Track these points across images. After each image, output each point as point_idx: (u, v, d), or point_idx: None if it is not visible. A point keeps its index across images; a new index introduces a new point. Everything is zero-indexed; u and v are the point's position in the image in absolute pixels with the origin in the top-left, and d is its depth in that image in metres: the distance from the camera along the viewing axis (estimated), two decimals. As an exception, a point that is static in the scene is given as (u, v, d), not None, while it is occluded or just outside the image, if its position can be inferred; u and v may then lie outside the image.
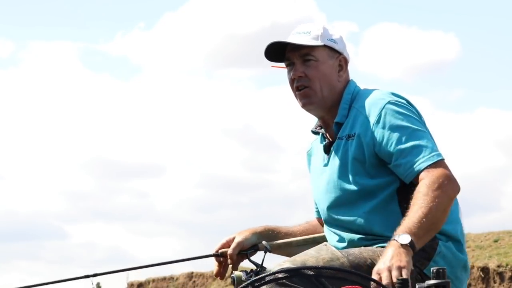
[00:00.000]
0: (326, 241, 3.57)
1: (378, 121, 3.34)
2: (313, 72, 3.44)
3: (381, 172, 3.35)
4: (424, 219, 3.07)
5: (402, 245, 2.97)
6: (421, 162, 3.24)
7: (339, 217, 3.43)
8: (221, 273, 3.65)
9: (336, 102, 3.47)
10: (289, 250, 3.67)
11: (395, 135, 3.29)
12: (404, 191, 3.31)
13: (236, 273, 3.48)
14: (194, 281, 33.68)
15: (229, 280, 3.62)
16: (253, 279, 2.92)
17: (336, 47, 3.49)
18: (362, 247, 3.32)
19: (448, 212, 3.19)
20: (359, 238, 3.37)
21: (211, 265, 3.76)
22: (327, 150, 3.49)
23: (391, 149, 3.29)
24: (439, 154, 3.27)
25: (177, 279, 34.64)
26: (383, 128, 3.32)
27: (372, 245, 3.33)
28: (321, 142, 3.55)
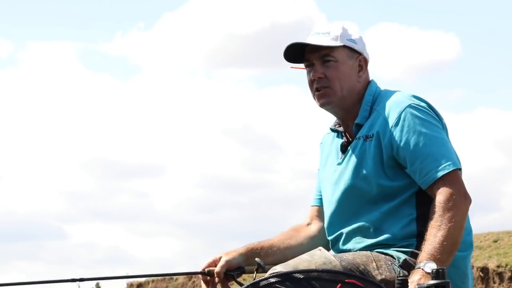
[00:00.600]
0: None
1: (396, 124, 3.33)
2: (333, 72, 3.43)
3: (400, 174, 3.34)
4: (445, 242, 3.11)
5: (428, 273, 3.01)
6: (436, 171, 3.25)
7: (350, 215, 3.42)
8: None
9: (356, 102, 3.47)
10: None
11: (412, 140, 3.29)
12: (423, 195, 3.32)
13: None
14: (194, 282, 33.63)
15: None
16: (248, 283, 2.96)
17: (356, 47, 3.48)
18: (357, 252, 3.31)
19: (464, 226, 3.24)
20: (366, 242, 3.37)
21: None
22: (343, 149, 3.49)
23: (407, 154, 3.30)
24: (455, 163, 3.28)
25: (176, 279, 34.61)
26: (401, 131, 3.32)
27: (370, 250, 3.32)
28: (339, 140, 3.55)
